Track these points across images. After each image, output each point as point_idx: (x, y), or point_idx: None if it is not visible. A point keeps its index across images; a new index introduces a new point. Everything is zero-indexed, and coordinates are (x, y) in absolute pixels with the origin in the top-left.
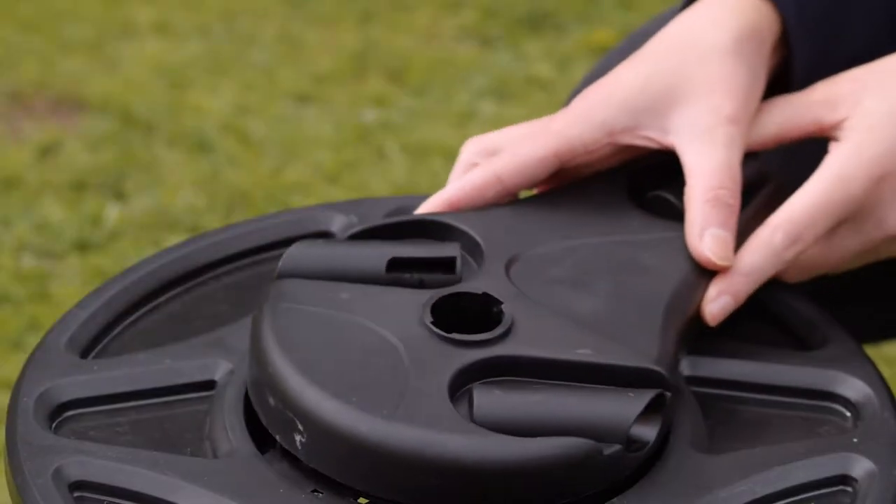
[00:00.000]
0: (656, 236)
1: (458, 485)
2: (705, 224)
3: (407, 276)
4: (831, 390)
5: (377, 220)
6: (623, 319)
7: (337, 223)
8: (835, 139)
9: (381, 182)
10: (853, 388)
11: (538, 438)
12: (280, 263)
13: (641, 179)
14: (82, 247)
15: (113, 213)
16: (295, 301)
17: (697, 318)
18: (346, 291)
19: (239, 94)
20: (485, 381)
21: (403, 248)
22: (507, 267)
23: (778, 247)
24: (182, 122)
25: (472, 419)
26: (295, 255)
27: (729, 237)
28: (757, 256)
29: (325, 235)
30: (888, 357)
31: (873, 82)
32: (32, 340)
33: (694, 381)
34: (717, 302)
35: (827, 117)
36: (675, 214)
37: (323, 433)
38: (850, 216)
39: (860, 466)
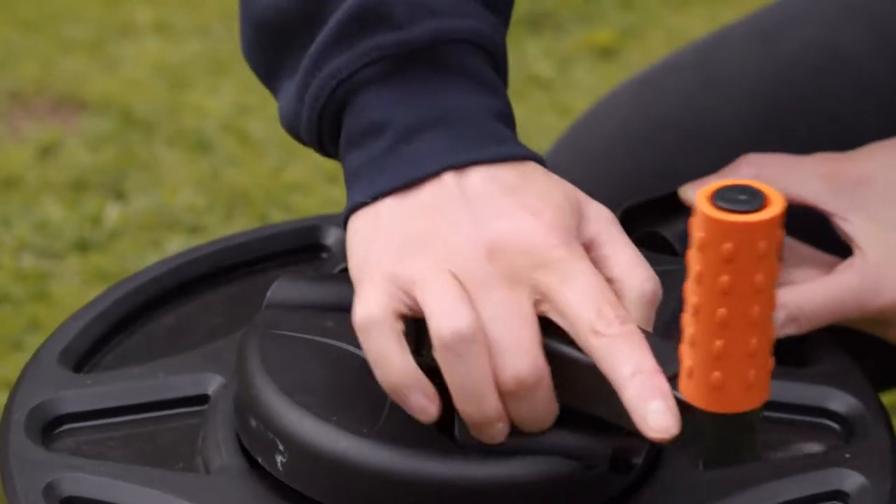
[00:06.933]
0: None
1: None
2: None
3: None
4: (823, 406)
5: None
6: None
7: (332, 236)
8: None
9: None
10: (845, 403)
11: (519, 457)
12: (267, 295)
13: (634, 216)
14: (82, 247)
15: (113, 213)
16: (279, 328)
17: None
18: (331, 319)
19: (239, 94)
20: None
21: None
22: None
23: (776, 324)
24: (182, 121)
25: (454, 440)
26: (282, 287)
27: None
28: None
29: (320, 248)
30: None
31: None
32: (32, 340)
33: None
34: None
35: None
36: (669, 250)
37: (302, 452)
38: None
39: (852, 482)
